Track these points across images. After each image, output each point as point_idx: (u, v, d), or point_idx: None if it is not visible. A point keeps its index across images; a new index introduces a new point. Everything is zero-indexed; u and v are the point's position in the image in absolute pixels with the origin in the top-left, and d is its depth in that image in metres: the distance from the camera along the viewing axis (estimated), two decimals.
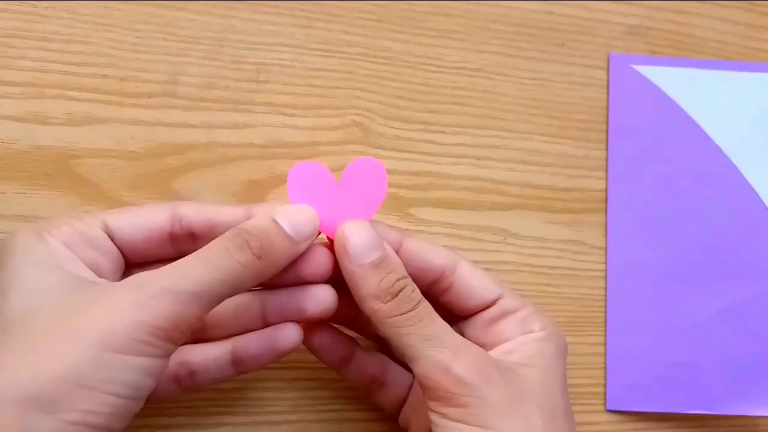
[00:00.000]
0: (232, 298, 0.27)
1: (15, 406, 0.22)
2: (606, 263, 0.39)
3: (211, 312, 0.26)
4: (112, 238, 0.28)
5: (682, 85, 0.40)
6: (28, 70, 0.33)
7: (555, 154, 0.39)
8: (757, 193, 0.40)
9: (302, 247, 0.28)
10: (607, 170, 0.39)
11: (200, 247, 0.27)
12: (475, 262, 0.31)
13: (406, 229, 0.31)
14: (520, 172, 0.38)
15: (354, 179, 0.29)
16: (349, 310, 0.29)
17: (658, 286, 0.39)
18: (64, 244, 0.26)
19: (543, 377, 0.28)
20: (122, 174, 0.33)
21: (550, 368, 0.29)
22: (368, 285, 0.28)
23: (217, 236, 0.28)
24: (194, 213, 0.29)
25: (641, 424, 0.38)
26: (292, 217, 0.28)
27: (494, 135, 0.38)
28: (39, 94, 0.33)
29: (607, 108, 0.40)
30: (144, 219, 0.28)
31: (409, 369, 0.31)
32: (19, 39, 0.33)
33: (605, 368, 0.38)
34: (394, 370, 0.32)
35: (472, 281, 0.30)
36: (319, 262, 0.29)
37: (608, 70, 0.40)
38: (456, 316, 0.31)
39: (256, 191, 0.35)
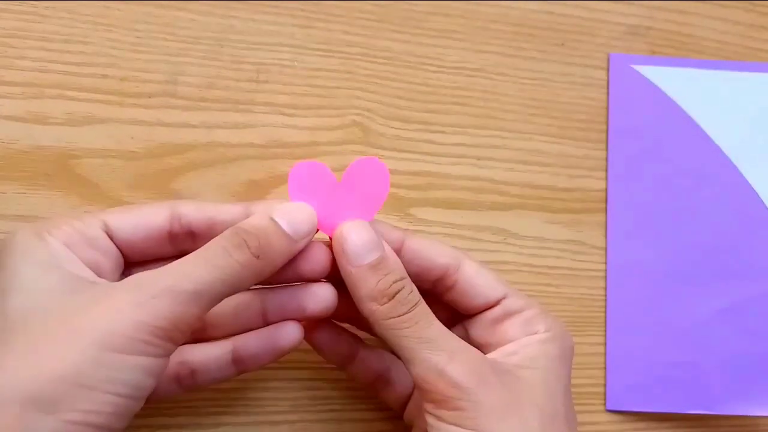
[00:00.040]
0: (232, 297, 0.27)
1: (16, 406, 0.22)
2: (606, 263, 0.39)
3: (211, 311, 0.26)
4: (111, 238, 0.28)
5: (682, 85, 0.40)
6: (28, 70, 0.33)
7: (555, 154, 0.39)
8: (757, 193, 0.40)
9: (300, 245, 0.28)
10: (607, 170, 0.39)
11: (199, 246, 0.27)
12: (481, 261, 0.31)
13: (407, 229, 0.31)
14: (520, 172, 0.38)
15: (356, 179, 0.29)
16: (354, 309, 0.29)
17: (658, 286, 0.39)
18: (64, 244, 0.26)
19: (544, 379, 0.28)
20: (122, 174, 0.33)
21: (552, 370, 0.29)
22: (365, 286, 0.28)
23: (216, 234, 0.28)
24: (193, 211, 0.29)
25: (641, 424, 0.38)
26: (289, 215, 0.28)
27: (494, 135, 0.38)
28: (39, 94, 0.33)
29: (607, 108, 0.40)
30: (143, 218, 0.28)
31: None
32: (19, 39, 0.33)
33: (605, 368, 0.38)
34: (399, 368, 0.32)
35: (476, 280, 0.30)
36: (317, 259, 0.29)
37: (608, 70, 0.40)
38: (461, 314, 0.31)
39: (256, 191, 0.35)
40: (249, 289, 0.29)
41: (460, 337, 0.29)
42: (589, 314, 0.38)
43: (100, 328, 0.24)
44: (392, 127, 0.37)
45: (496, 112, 0.38)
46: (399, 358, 0.28)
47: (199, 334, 0.30)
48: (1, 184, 0.32)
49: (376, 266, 0.28)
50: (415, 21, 0.38)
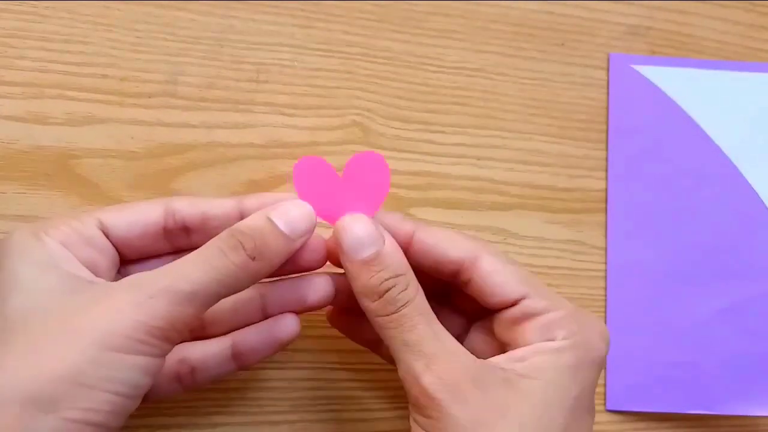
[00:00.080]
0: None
1: (16, 406, 0.22)
2: (606, 263, 0.39)
3: (210, 309, 0.26)
4: (107, 236, 0.28)
5: (682, 85, 0.40)
6: (28, 70, 0.33)
7: (555, 154, 0.39)
8: (757, 193, 0.40)
9: (298, 244, 0.28)
10: (607, 170, 0.39)
11: (194, 241, 0.28)
12: (506, 255, 0.30)
13: (421, 221, 0.30)
14: (520, 172, 0.38)
15: (357, 173, 0.29)
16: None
17: (658, 286, 0.39)
18: (62, 244, 0.27)
19: (543, 392, 0.27)
20: (122, 174, 0.33)
21: (557, 383, 0.27)
22: (359, 282, 0.28)
23: (209, 229, 0.28)
24: (186, 207, 0.29)
25: (641, 424, 0.38)
26: (287, 214, 0.28)
27: (494, 135, 0.38)
28: (39, 94, 0.33)
29: (607, 108, 0.40)
30: (138, 215, 0.29)
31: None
32: (19, 39, 0.33)
33: (605, 368, 0.38)
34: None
35: (492, 277, 0.28)
36: (315, 250, 0.29)
37: (608, 70, 0.40)
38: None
39: (256, 191, 0.35)
40: None
41: (484, 331, 0.29)
42: None
43: (99, 328, 0.24)
44: (392, 127, 0.37)
45: (496, 112, 0.38)
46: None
47: (199, 332, 0.30)
48: (1, 184, 0.32)
49: (369, 262, 0.27)
50: (415, 21, 0.38)
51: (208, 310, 0.26)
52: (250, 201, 0.29)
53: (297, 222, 0.28)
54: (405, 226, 0.29)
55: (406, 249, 0.29)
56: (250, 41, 0.35)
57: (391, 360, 0.30)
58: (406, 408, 0.28)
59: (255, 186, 0.35)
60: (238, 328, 0.30)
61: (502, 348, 0.29)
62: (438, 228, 0.30)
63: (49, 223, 0.27)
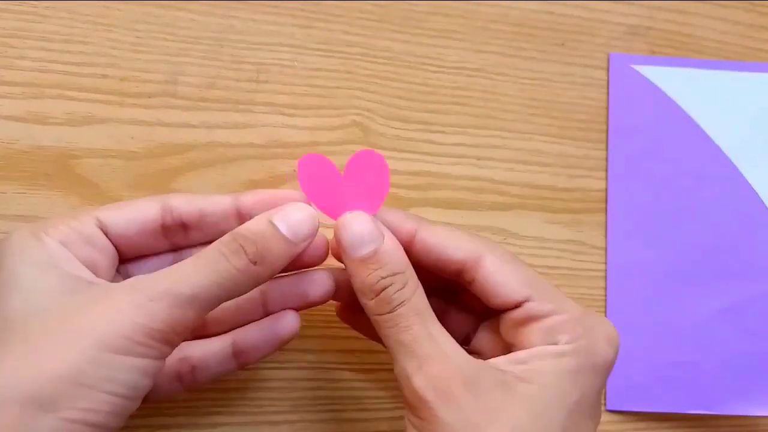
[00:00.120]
0: None
1: (16, 405, 0.22)
2: (606, 263, 0.39)
3: None
4: (107, 234, 0.28)
5: (682, 85, 0.40)
6: (28, 70, 0.33)
7: (555, 154, 0.39)
8: (757, 193, 0.40)
9: (300, 248, 0.28)
10: (607, 170, 0.39)
11: (192, 238, 0.28)
12: (511, 255, 0.29)
13: (423, 219, 0.30)
14: (520, 172, 0.38)
15: (358, 171, 0.29)
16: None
17: (658, 286, 0.39)
18: (61, 244, 0.27)
19: (542, 396, 0.26)
20: (122, 174, 0.33)
21: (557, 387, 0.26)
22: (357, 279, 0.28)
23: (207, 226, 0.28)
24: (183, 204, 0.29)
25: (641, 424, 0.38)
26: (289, 218, 0.27)
27: (494, 135, 0.38)
28: (39, 94, 0.33)
29: (607, 108, 0.40)
30: (137, 213, 0.29)
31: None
32: (19, 39, 0.33)
33: None
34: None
35: (495, 278, 0.28)
36: (315, 245, 0.29)
37: (608, 70, 0.40)
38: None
39: None
40: None
41: (492, 330, 0.29)
42: None
43: (99, 329, 0.24)
44: (392, 127, 0.37)
45: (496, 112, 0.38)
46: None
47: (200, 330, 0.30)
48: (1, 184, 0.32)
49: (366, 260, 0.27)
50: (415, 21, 0.38)
51: None
52: (247, 198, 0.29)
53: (299, 225, 0.27)
54: (407, 225, 0.29)
55: (409, 247, 0.29)
56: (250, 41, 0.35)
57: None
58: None
59: (255, 186, 0.35)
60: (240, 326, 0.30)
61: (508, 348, 0.29)
62: (441, 226, 0.29)
63: (48, 223, 0.27)
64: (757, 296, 0.39)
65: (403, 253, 0.28)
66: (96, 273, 0.27)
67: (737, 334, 0.39)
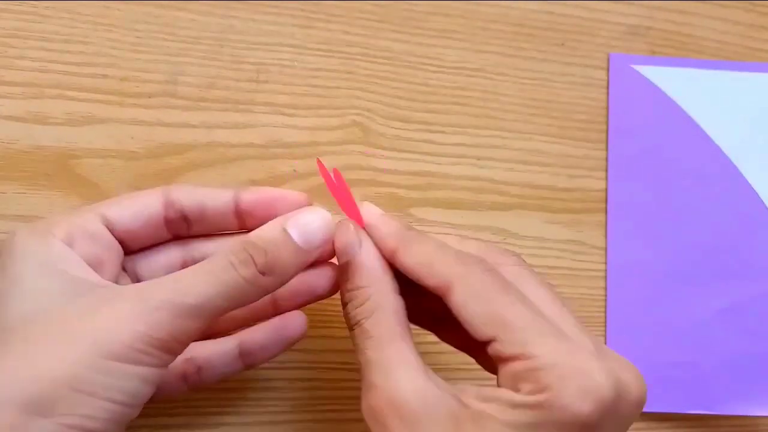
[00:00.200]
0: None
1: (13, 408, 0.22)
2: (606, 263, 0.39)
3: None
4: (111, 231, 0.28)
5: (682, 85, 0.40)
6: (28, 70, 0.33)
7: (555, 154, 0.39)
8: (757, 193, 0.40)
9: (312, 257, 0.27)
10: (607, 170, 0.39)
11: (194, 230, 0.28)
12: (484, 284, 0.26)
13: (404, 238, 0.28)
14: (520, 172, 0.38)
15: (335, 185, 0.29)
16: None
17: (658, 286, 0.39)
18: (65, 243, 0.26)
19: None
20: (122, 174, 0.33)
21: None
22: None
23: (207, 219, 0.28)
24: (185, 198, 0.29)
25: (641, 424, 0.38)
26: (304, 226, 0.26)
27: (494, 135, 0.38)
28: (39, 94, 0.33)
29: (607, 108, 0.40)
30: (140, 207, 0.28)
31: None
32: (19, 39, 0.33)
33: None
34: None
35: (460, 313, 0.25)
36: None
37: (608, 70, 0.40)
38: None
39: None
40: None
41: (477, 349, 0.27)
42: (589, 314, 0.38)
43: (100, 336, 0.23)
44: (392, 127, 0.37)
45: (496, 112, 0.38)
46: None
47: (208, 330, 0.30)
48: (1, 184, 0.32)
49: (343, 268, 0.28)
50: (415, 21, 0.38)
51: None
52: (247, 195, 0.29)
53: (313, 234, 0.26)
54: (388, 243, 0.28)
55: (393, 262, 0.28)
56: (250, 41, 0.35)
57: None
58: None
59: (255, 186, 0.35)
60: (248, 320, 0.30)
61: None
62: (421, 245, 0.27)
63: (51, 222, 0.27)
64: (757, 296, 0.39)
65: (376, 267, 0.27)
66: (101, 270, 0.27)
67: (737, 334, 0.39)
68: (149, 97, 0.34)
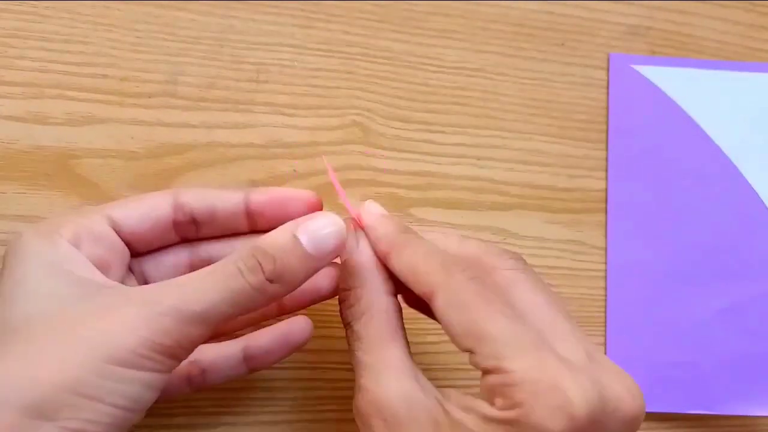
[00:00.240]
0: None
1: (13, 410, 0.22)
2: (606, 263, 0.39)
3: None
4: (118, 233, 0.28)
5: (682, 85, 0.40)
6: (28, 70, 0.33)
7: (555, 154, 0.39)
8: (757, 193, 0.40)
9: (323, 264, 0.26)
10: (607, 170, 0.39)
11: (203, 233, 0.27)
12: (467, 293, 0.25)
13: (396, 242, 0.28)
14: (520, 172, 0.38)
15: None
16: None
17: (658, 286, 0.39)
18: (72, 244, 0.26)
19: None
20: (122, 174, 0.33)
21: None
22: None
23: (217, 222, 0.28)
24: (195, 201, 0.29)
25: (641, 424, 0.38)
26: (315, 232, 0.26)
27: (494, 135, 0.38)
28: (39, 94, 0.33)
29: (607, 108, 0.40)
30: (148, 210, 0.28)
31: None
32: (19, 39, 0.33)
33: None
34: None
35: (443, 321, 0.25)
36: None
37: (608, 70, 0.40)
38: None
39: None
40: None
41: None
42: (589, 314, 0.38)
43: (104, 340, 0.23)
44: (392, 127, 0.37)
45: (496, 112, 0.38)
46: None
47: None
48: (1, 184, 0.32)
49: (341, 268, 0.28)
50: (415, 21, 0.38)
51: None
52: (258, 196, 0.29)
53: (324, 240, 0.26)
54: (381, 246, 0.28)
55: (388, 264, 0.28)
56: (250, 41, 0.35)
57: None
58: None
59: (255, 186, 0.35)
60: (253, 320, 0.30)
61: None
62: (411, 249, 0.27)
63: (57, 223, 0.27)
64: (757, 296, 0.39)
65: (369, 269, 0.27)
66: (107, 272, 0.27)
67: (737, 334, 0.39)
68: (149, 97, 0.34)
